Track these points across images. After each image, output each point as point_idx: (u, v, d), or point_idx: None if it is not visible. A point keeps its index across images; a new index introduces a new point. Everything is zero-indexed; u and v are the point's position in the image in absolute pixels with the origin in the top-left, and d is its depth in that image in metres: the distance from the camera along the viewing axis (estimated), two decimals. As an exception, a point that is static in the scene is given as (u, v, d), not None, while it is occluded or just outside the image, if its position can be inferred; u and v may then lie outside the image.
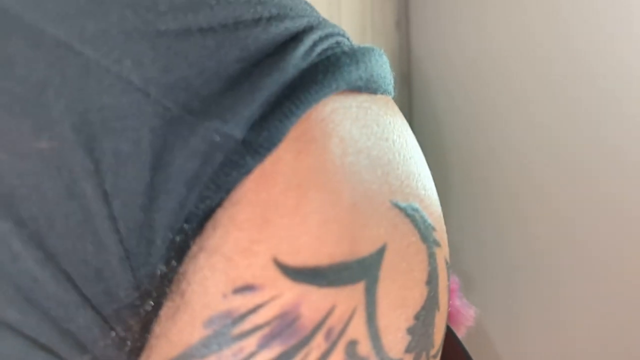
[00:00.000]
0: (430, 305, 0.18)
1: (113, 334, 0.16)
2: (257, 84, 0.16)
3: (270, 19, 0.17)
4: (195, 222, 0.15)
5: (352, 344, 0.15)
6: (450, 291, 0.41)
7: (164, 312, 0.15)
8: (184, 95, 0.15)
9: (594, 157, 0.81)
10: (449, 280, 0.20)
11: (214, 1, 0.16)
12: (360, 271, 0.15)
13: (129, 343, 0.16)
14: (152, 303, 0.15)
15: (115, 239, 0.15)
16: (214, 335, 0.14)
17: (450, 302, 0.40)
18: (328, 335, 0.15)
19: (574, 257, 0.84)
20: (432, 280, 0.18)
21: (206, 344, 0.14)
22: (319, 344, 0.14)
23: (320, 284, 0.15)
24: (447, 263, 0.20)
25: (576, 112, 0.83)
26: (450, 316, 0.39)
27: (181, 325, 0.15)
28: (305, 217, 0.15)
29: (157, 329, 0.15)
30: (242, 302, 0.14)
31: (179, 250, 0.15)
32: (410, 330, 0.17)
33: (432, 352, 0.18)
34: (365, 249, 0.16)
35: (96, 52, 0.14)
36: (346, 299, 0.15)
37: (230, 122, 0.15)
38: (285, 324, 0.14)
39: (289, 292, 0.14)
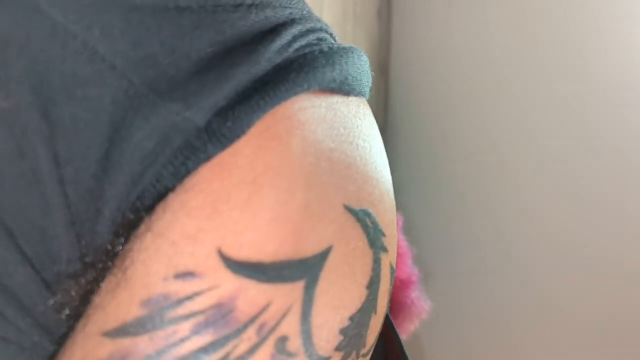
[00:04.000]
0: (367, 308, 0.18)
1: (52, 301, 0.16)
2: (227, 73, 0.16)
3: (251, 6, 0.17)
4: (149, 201, 0.15)
5: (283, 340, 0.15)
6: (409, 283, 0.42)
7: (105, 285, 0.15)
8: (151, 73, 0.15)
9: (572, 152, 0.83)
10: (391, 285, 0.20)
11: None
12: (302, 271, 0.16)
13: (67, 310, 0.16)
14: (94, 274, 0.16)
15: (63, 203, 0.15)
16: (150, 315, 0.14)
17: (408, 294, 0.41)
18: (260, 330, 0.15)
19: (541, 251, 0.86)
20: (373, 285, 0.18)
21: (141, 323, 0.14)
22: (249, 337, 0.15)
23: (260, 279, 0.15)
24: (392, 268, 0.20)
25: (556, 105, 0.85)
26: (405, 308, 0.41)
27: (120, 301, 0.15)
28: (256, 212, 0.15)
29: (97, 300, 0.15)
30: (181, 288, 0.14)
31: (129, 227, 0.15)
32: (343, 331, 0.17)
33: (363, 351, 0.19)
34: (310, 250, 0.16)
35: (65, 17, 0.14)
36: (283, 296, 0.15)
37: (193, 108, 0.15)
38: (220, 315, 0.14)
39: (228, 284, 0.15)
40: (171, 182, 0.15)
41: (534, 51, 0.87)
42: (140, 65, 0.15)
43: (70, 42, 0.14)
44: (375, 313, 0.19)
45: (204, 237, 0.15)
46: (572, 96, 0.83)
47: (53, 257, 0.15)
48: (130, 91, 0.15)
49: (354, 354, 0.18)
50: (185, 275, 0.15)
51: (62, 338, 0.16)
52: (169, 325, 0.14)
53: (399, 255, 0.39)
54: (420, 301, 0.40)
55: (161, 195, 0.15)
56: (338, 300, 0.17)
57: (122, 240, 0.15)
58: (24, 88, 0.14)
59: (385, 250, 0.19)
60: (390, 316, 0.30)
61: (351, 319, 0.17)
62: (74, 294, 0.16)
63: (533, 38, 0.88)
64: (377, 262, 0.19)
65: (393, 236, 0.21)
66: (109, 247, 0.16)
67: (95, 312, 0.15)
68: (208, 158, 0.15)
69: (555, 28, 0.84)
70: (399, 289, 0.39)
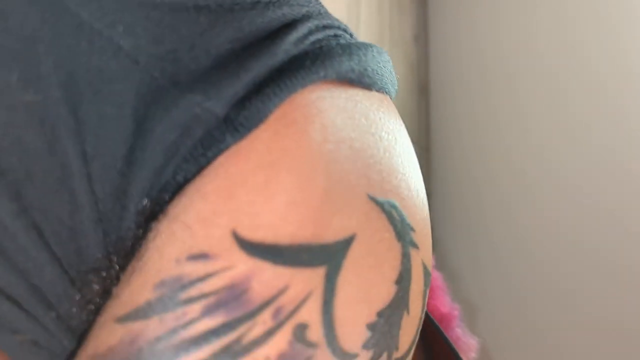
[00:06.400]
0: (397, 305, 0.17)
1: (78, 296, 0.16)
2: (244, 65, 0.16)
3: (268, 3, 0.17)
4: (170, 194, 0.15)
5: (302, 327, 0.14)
6: (450, 317, 0.39)
7: (123, 276, 0.15)
8: (172, 67, 0.15)
9: (614, 179, 0.78)
10: (426, 286, 0.19)
11: None
12: (323, 256, 0.15)
13: (91, 306, 0.16)
14: (117, 269, 0.15)
15: (91, 200, 0.15)
16: (161, 298, 0.14)
17: (451, 328, 0.39)
18: (276, 314, 0.14)
19: (581, 282, 0.81)
20: (402, 281, 0.17)
21: (152, 306, 0.14)
22: (264, 320, 0.14)
23: (276, 261, 0.14)
24: (425, 268, 0.19)
25: (589, 123, 0.81)
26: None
27: (133, 287, 0.15)
28: (272, 196, 0.15)
29: (114, 290, 0.15)
30: (194, 269, 0.14)
31: (150, 219, 0.15)
32: (371, 327, 0.16)
33: (396, 355, 0.17)
34: (331, 236, 0.15)
35: (91, 15, 0.15)
36: (302, 281, 0.15)
37: (213, 99, 0.15)
38: (232, 295, 0.14)
39: (242, 265, 0.14)
40: (191, 173, 0.15)
41: (570, 66, 0.84)
42: (162, 60, 0.15)
43: (96, 39, 0.15)
44: (408, 313, 0.18)
45: (219, 220, 0.14)
46: (619, 122, 0.78)
47: (80, 255, 0.15)
48: (153, 85, 0.15)
49: (384, 355, 0.17)
50: (199, 256, 0.14)
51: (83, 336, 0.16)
52: (179, 306, 0.14)
53: (435, 288, 0.37)
54: (465, 337, 0.37)
55: (180, 187, 0.15)
56: (363, 292, 0.16)
57: (143, 232, 0.15)
58: (53, 84, 0.15)
59: (415, 246, 0.18)
60: (437, 323, 0.28)
61: (379, 314, 0.16)
62: (97, 288, 0.16)
63: (569, 55, 0.84)
64: (406, 257, 0.17)
65: (425, 234, 0.19)
66: (133, 242, 0.15)
67: (111, 302, 0.15)
68: (227, 147, 0.15)
69: (602, 46, 0.81)
70: (440, 323, 0.37)
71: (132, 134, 0.15)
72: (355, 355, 0.16)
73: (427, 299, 0.20)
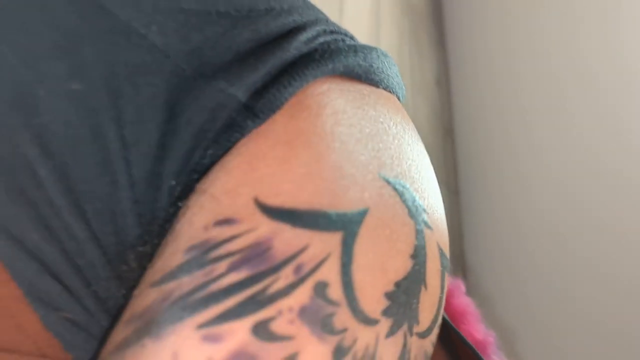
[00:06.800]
0: (414, 278, 0.17)
1: (115, 275, 0.17)
2: (261, 59, 0.18)
3: (281, 11, 0.19)
4: (199, 173, 0.17)
5: (322, 284, 0.15)
6: (485, 344, 0.38)
7: (157, 251, 0.16)
8: (198, 62, 0.17)
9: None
10: (443, 267, 0.19)
11: None
12: (339, 222, 0.16)
13: (128, 284, 0.17)
14: (150, 249, 0.17)
15: (129, 183, 0.16)
16: (191, 259, 0.15)
17: (487, 358, 0.37)
18: (297, 269, 0.15)
19: (623, 307, 0.76)
20: (418, 256, 0.18)
21: (182, 268, 0.15)
22: (286, 275, 0.15)
23: (295, 224, 0.15)
24: (441, 250, 0.19)
25: (625, 157, 0.79)
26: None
27: (166, 256, 0.16)
28: (290, 168, 0.16)
29: (149, 263, 0.16)
30: (220, 232, 0.15)
31: (181, 198, 0.17)
32: (389, 296, 0.16)
33: (417, 328, 0.18)
34: (347, 206, 0.16)
35: (128, 15, 0.17)
36: (320, 242, 0.15)
37: (235, 85, 0.17)
38: (256, 253, 0.15)
39: (264, 227, 0.15)
40: (216, 156, 0.17)
41: (589, 105, 0.84)
42: (189, 55, 0.17)
43: (132, 36, 0.17)
44: (426, 288, 0.18)
45: (242, 190, 0.16)
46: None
47: (118, 235, 0.17)
48: (182, 76, 0.17)
49: (405, 325, 0.17)
50: (224, 221, 0.15)
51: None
52: (207, 265, 0.15)
53: (468, 314, 0.36)
54: (502, 364, 0.35)
55: (207, 168, 0.17)
56: (380, 262, 0.16)
57: (174, 211, 0.17)
58: (96, 74, 0.16)
59: (429, 226, 0.19)
60: (456, 328, 0.27)
61: (397, 284, 0.17)
62: (134, 265, 0.17)
63: (588, 99, 0.84)
64: (420, 234, 0.18)
65: (438, 219, 0.20)
66: (165, 220, 0.17)
67: (146, 272, 0.16)
68: (248, 132, 0.17)
69: (628, 84, 0.81)
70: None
71: (165, 121, 0.16)
72: (376, 321, 0.16)
73: (446, 284, 0.20)
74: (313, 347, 0.15)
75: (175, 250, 0.15)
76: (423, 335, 0.18)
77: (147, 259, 0.17)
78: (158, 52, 0.17)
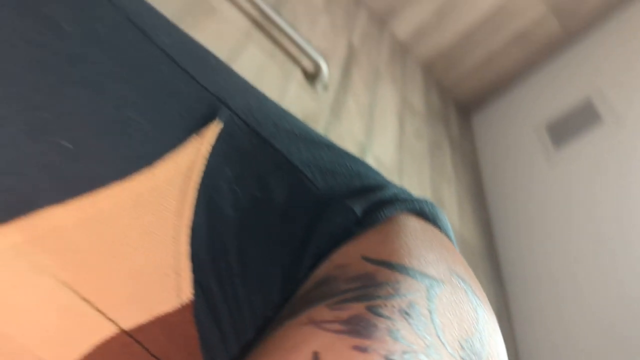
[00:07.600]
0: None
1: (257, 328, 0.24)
2: (365, 196, 0.27)
3: (376, 187, 0.29)
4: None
5: (413, 304, 0.20)
6: None
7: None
8: (329, 192, 0.27)
9: None
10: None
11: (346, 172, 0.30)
12: (423, 278, 0.21)
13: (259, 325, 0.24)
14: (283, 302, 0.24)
15: (284, 264, 0.25)
16: (323, 285, 0.23)
17: None
18: (394, 289, 0.20)
19: None
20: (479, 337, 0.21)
21: (319, 293, 0.22)
22: (387, 290, 0.20)
23: (390, 268, 0.22)
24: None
25: None
26: None
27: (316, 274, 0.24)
28: (387, 245, 0.23)
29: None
30: (341, 272, 0.23)
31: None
32: (463, 346, 0.20)
33: None
34: (428, 272, 0.22)
35: (272, 139, 0.28)
36: (410, 283, 0.21)
37: (356, 205, 0.27)
38: (365, 277, 0.22)
39: (368, 267, 0.22)
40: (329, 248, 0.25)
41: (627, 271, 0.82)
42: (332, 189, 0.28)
43: (272, 153, 0.27)
44: None
45: (352, 252, 0.24)
46: None
47: (269, 298, 0.25)
48: (316, 193, 0.27)
49: None
50: (340, 266, 0.23)
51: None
52: (334, 284, 0.22)
53: None
54: None
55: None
56: (455, 321, 0.21)
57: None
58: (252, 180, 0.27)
59: (491, 324, 0.23)
60: None
61: (463, 342, 0.20)
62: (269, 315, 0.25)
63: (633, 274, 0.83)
64: (480, 323, 0.22)
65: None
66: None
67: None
68: (355, 236, 0.25)
69: None
70: None
71: (305, 227, 0.27)
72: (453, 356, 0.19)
73: None
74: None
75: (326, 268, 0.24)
76: None
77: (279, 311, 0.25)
78: (295, 170, 0.28)
